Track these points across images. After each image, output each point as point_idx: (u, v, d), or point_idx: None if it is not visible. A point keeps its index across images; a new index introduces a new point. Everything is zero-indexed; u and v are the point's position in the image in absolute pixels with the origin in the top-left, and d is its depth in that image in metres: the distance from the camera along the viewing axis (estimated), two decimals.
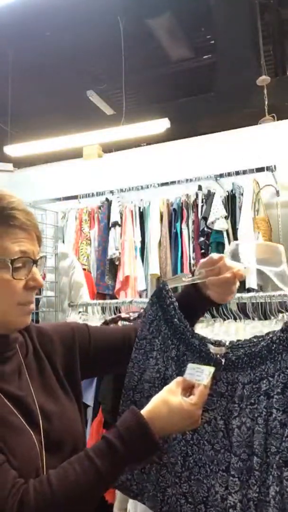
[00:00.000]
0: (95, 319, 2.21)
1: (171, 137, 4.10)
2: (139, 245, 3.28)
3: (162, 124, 4.16)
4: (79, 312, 2.37)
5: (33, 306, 0.83)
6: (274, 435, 0.67)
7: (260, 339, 0.77)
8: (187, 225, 3.15)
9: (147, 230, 3.30)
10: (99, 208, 3.54)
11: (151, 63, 5.23)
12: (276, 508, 0.64)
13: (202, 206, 3.12)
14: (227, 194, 3.12)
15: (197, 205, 3.16)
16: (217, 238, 2.97)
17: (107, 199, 3.53)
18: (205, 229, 3.01)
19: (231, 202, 3.08)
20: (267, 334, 0.77)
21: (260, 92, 4.60)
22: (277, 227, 3.13)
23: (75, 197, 3.67)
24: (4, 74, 5.03)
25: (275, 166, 3.06)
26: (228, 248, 0.94)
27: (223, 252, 2.91)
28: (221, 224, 2.96)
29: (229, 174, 3.14)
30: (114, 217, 3.35)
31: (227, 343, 0.83)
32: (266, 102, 4.52)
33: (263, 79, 4.49)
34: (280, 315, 1.68)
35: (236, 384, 0.76)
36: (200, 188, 3.23)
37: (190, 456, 0.79)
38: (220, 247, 2.96)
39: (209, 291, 0.92)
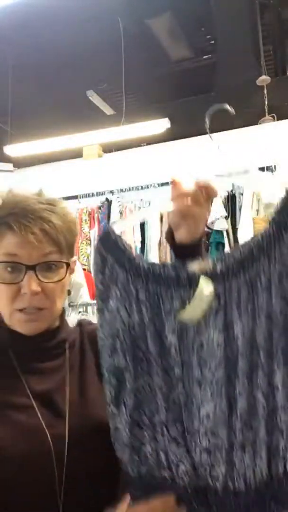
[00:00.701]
0: (95, 319, 2.21)
1: (171, 137, 4.10)
2: (139, 245, 3.29)
3: (162, 124, 4.17)
4: (79, 312, 2.38)
5: (35, 314, 0.81)
6: (276, 325, 0.71)
7: (246, 244, 0.74)
8: None
9: (147, 230, 3.30)
10: (99, 208, 3.55)
11: (151, 63, 5.23)
12: (283, 394, 0.70)
13: None
14: (227, 194, 3.12)
15: None
16: (217, 238, 2.97)
17: (107, 199, 3.53)
18: (205, 229, 3.01)
19: (231, 202, 3.08)
20: (252, 238, 0.75)
21: (260, 92, 4.60)
22: None
23: (75, 197, 3.68)
24: (4, 74, 5.03)
25: (275, 166, 3.06)
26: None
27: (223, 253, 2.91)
28: (221, 224, 2.97)
29: (229, 174, 3.13)
30: (114, 217, 3.36)
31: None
32: (266, 102, 4.52)
33: (263, 79, 4.49)
34: None
35: (231, 292, 0.73)
36: None
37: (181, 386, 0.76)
38: (220, 247, 2.96)
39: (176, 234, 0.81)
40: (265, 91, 4.56)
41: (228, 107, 0.89)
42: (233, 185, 3.12)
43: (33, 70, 5.16)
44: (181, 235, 0.79)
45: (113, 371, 0.77)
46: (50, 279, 0.81)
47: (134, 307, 0.76)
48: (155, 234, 3.24)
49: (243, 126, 3.61)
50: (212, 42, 5.01)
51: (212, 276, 0.73)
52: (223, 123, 3.86)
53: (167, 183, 3.36)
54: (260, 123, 4.00)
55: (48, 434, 0.77)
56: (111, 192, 3.56)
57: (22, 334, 0.83)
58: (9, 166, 4.46)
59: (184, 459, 0.74)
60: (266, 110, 4.42)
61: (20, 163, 4.74)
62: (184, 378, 0.74)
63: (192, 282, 0.73)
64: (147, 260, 0.81)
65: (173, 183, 0.79)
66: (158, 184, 3.39)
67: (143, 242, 3.30)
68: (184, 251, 0.78)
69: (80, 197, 3.67)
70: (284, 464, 0.72)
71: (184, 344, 0.74)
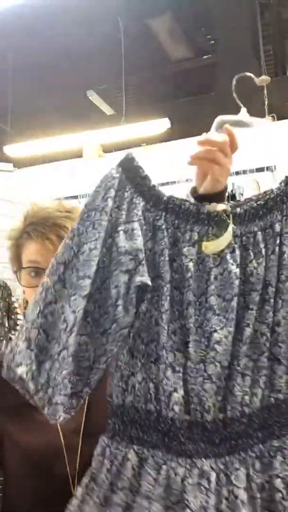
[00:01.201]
0: None
1: (171, 137, 4.10)
2: None
3: (162, 124, 4.17)
4: None
5: None
6: (284, 266, 0.78)
7: (260, 196, 0.82)
8: None
9: None
10: None
11: (151, 63, 5.23)
12: (284, 329, 0.77)
13: None
14: (227, 194, 3.12)
15: None
16: None
17: None
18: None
19: None
20: (266, 191, 0.83)
21: (260, 92, 4.59)
22: None
23: (75, 197, 3.68)
24: (4, 74, 5.03)
25: (275, 166, 3.06)
26: (214, 122, 0.95)
27: None
28: None
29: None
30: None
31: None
32: (266, 102, 4.52)
33: (263, 79, 4.46)
34: None
35: (248, 234, 0.79)
36: None
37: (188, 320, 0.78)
38: None
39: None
40: (265, 91, 4.56)
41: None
42: (233, 185, 3.12)
43: (33, 70, 5.15)
44: (207, 184, 0.83)
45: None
46: None
47: (149, 233, 0.78)
48: None
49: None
50: (212, 42, 5.01)
51: (233, 217, 0.79)
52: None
53: (167, 183, 3.36)
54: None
55: (59, 429, 0.82)
56: None
57: None
58: (9, 166, 4.46)
59: (179, 387, 0.74)
60: (266, 110, 4.42)
61: (20, 163, 4.74)
62: (197, 304, 0.77)
63: (210, 219, 0.79)
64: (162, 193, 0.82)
65: (201, 142, 0.83)
66: (158, 184, 3.39)
67: None
68: (209, 201, 0.82)
69: (80, 197, 3.67)
70: (276, 395, 0.77)
71: (201, 272, 0.77)
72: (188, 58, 5.22)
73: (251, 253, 0.79)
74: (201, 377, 0.75)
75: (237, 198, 3.05)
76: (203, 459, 0.73)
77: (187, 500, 0.70)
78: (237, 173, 3.09)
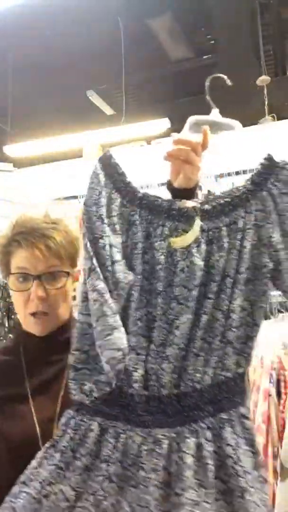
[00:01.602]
0: None
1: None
2: None
3: (162, 124, 4.17)
4: None
5: (43, 318, 0.97)
6: (244, 259, 0.86)
7: (227, 193, 0.90)
8: None
9: None
10: None
11: (151, 63, 5.23)
12: (238, 316, 0.87)
13: None
14: None
15: None
16: None
17: None
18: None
19: None
20: (233, 189, 0.91)
21: (260, 92, 4.59)
22: None
23: (75, 197, 3.67)
24: (4, 74, 5.03)
25: None
26: (187, 122, 1.02)
27: None
28: None
29: (229, 174, 3.14)
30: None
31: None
32: (266, 102, 4.52)
33: (263, 79, 4.48)
34: (280, 314, 1.68)
35: (214, 229, 0.87)
36: (200, 188, 3.23)
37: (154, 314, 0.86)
38: None
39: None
40: (265, 91, 4.56)
41: (224, 77, 1.01)
42: (233, 184, 3.11)
43: (33, 70, 5.15)
44: (179, 182, 0.92)
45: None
46: (54, 286, 0.96)
47: (125, 227, 0.86)
48: None
49: (243, 126, 3.61)
50: (212, 42, 5.01)
51: (201, 213, 0.87)
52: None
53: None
54: (260, 123, 3.99)
55: (35, 418, 0.91)
56: None
57: (33, 334, 0.99)
58: (9, 166, 4.45)
59: (139, 367, 0.83)
60: (266, 110, 4.42)
61: (20, 163, 4.74)
62: (163, 294, 0.85)
63: (180, 215, 0.86)
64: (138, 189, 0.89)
65: (176, 141, 0.90)
66: (158, 184, 3.38)
67: None
68: (181, 196, 0.91)
69: (80, 197, 3.66)
70: (226, 373, 0.86)
71: (169, 265, 0.85)
72: (188, 58, 5.22)
73: (215, 247, 0.86)
74: (160, 358, 0.84)
75: None
76: (157, 429, 0.82)
77: (141, 463, 0.80)
78: (237, 173, 3.08)
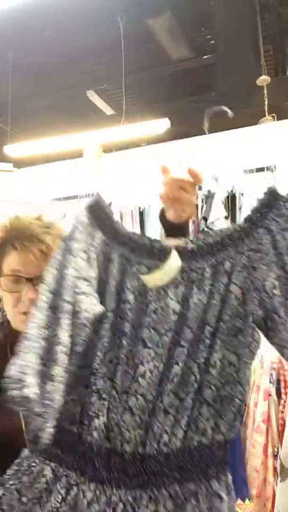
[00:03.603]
0: None
1: (171, 137, 4.10)
2: None
3: (162, 124, 4.17)
4: None
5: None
6: (229, 305, 0.77)
7: (219, 232, 0.82)
8: None
9: (147, 230, 3.30)
10: None
11: (151, 63, 5.23)
12: (218, 372, 0.75)
13: (202, 206, 3.12)
14: (228, 194, 3.12)
15: (197, 205, 3.16)
16: None
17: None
18: (205, 229, 3.01)
19: (231, 202, 3.08)
20: (225, 228, 0.84)
21: (260, 92, 4.59)
22: None
23: (75, 197, 3.67)
24: (4, 74, 5.03)
25: (275, 166, 3.06)
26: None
27: None
28: (221, 224, 2.97)
29: (229, 174, 3.14)
30: (114, 217, 3.36)
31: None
32: (266, 102, 4.52)
33: (263, 79, 4.48)
34: None
35: (197, 269, 0.79)
36: (200, 188, 3.23)
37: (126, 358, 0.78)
38: None
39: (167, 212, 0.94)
40: (265, 91, 4.56)
41: (226, 109, 0.96)
42: (233, 185, 3.12)
43: (33, 70, 5.15)
44: (170, 216, 0.92)
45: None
46: None
47: (102, 264, 0.80)
48: (155, 234, 3.24)
49: (243, 126, 3.61)
50: (212, 42, 5.01)
51: (183, 253, 0.79)
52: (223, 123, 3.86)
53: None
54: (260, 123, 4.00)
55: (21, 414, 0.88)
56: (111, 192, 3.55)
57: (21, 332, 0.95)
58: (9, 166, 4.45)
59: (101, 414, 0.75)
60: (266, 110, 4.42)
61: (20, 163, 4.74)
62: (130, 335, 0.77)
63: (163, 255, 0.80)
64: (124, 228, 0.85)
65: (163, 170, 0.92)
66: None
67: None
68: (172, 229, 0.92)
69: (80, 197, 3.66)
70: (199, 438, 0.74)
71: (139, 304, 0.78)
72: (188, 58, 5.22)
73: (195, 290, 0.78)
74: (122, 407, 0.75)
75: (237, 198, 3.05)
76: (113, 489, 0.73)
77: None
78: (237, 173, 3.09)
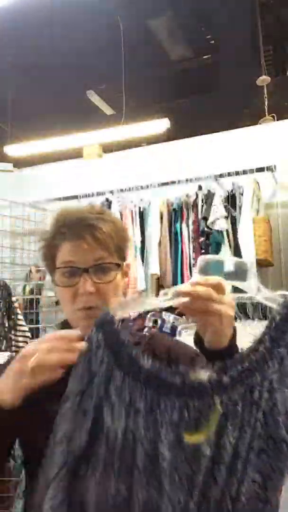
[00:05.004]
0: None
1: (171, 137, 4.10)
2: (139, 245, 3.28)
3: (162, 124, 4.17)
4: None
5: (92, 311, 0.87)
6: (257, 436, 0.69)
7: (246, 353, 0.72)
8: (187, 225, 3.15)
9: (147, 230, 3.30)
10: None
11: (151, 63, 5.23)
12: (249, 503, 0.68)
13: (202, 206, 3.12)
14: (227, 194, 3.12)
15: (197, 205, 3.16)
16: (217, 238, 2.97)
17: (107, 199, 3.53)
18: (205, 229, 3.01)
19: (231, 202, 3.08)
20: (251, 347, 0.73)
21: (260, 92, 4.60)
22: (277, 227, 3.13)
23: (75, 197, 3.67)
24: (4, 74, 5.03)
25: (275, 166, 3.06)
26: (197, 263, 0.83)
27: (223, 252, 2.92)
28: (221, 224, 2.96)
29: (229, 174, 3.14)
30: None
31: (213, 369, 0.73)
32: (266, 102, 4.52)
33: (263, 79, 4.49)
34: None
35: (228, 402, 0.70)
36: (200, 188, 3.23)
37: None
38: (220, 247, 2.96)
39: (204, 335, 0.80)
40: (265, 91, 4.57)
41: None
42: (233, 184, 3.11)
43: (33, 70, 5.16)
44: (210, 336, 0.78)
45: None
46: (103, 280, 0.88)
47: (123, 413, 0.69)
48: (155, 234, 3.24)
49: (243, 126, 3.61)
50: (212, 42, 5.02)
51: (218, 387, 0.69)
52: (223, 123, 3.86)
53: (167, 183, 3.36)
54: (260, 123, 4.00)
55: None
56: (111, 192, 3.55)
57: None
58: (9, 166, 4.46)
59: None
60: (266, 110, 4.43)
61: (20, 163, 4.74)
62: (171, 491, 0.67)
63: (195, 392, 0.69)
64: (148, 358, 0.71)
65: (186, 293, 0.74)
66: (158, 184, 3.38)
67: (143, 242, 3.29)
68: (215, 357, 0.75)
69: (80, 197, 3.66)
70: None
71: (177, 457, 0.69)
72: (188, 58, 5.23)
73: (229, 425, 0.69)
74: None
75: (237, 198, 3.05)
76: None
77: None
78: (237, 173, 3.08)
